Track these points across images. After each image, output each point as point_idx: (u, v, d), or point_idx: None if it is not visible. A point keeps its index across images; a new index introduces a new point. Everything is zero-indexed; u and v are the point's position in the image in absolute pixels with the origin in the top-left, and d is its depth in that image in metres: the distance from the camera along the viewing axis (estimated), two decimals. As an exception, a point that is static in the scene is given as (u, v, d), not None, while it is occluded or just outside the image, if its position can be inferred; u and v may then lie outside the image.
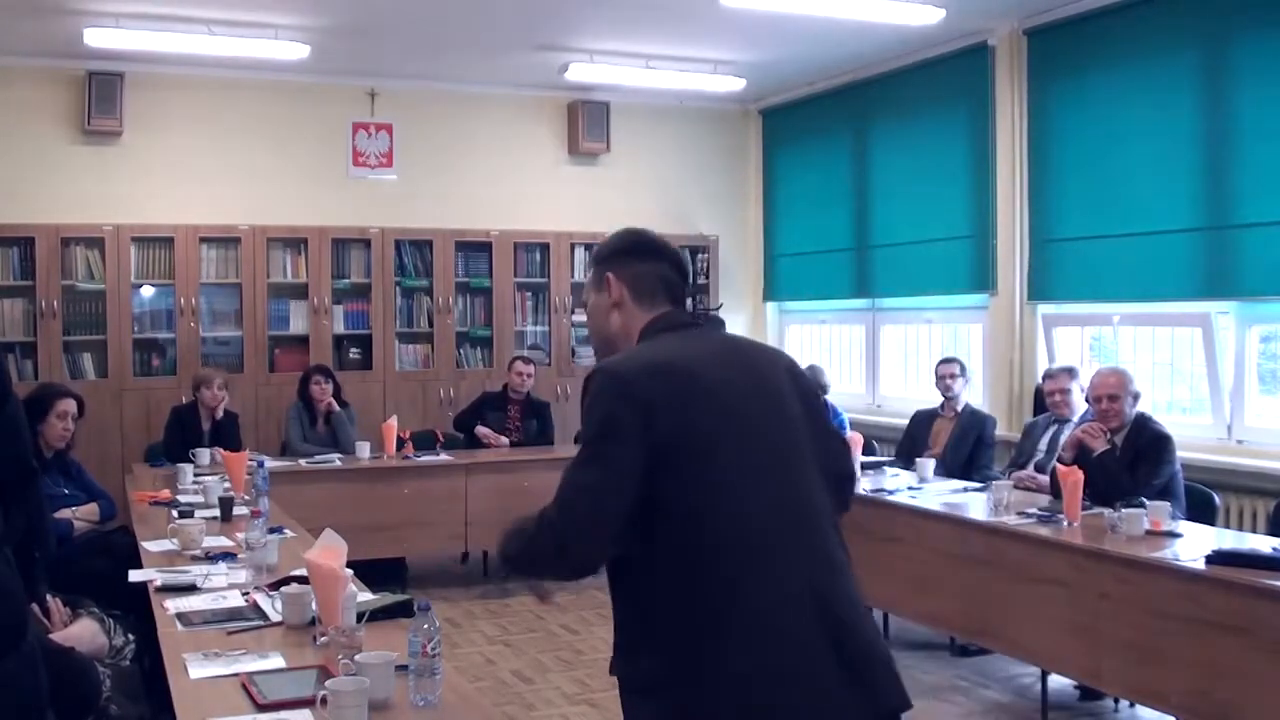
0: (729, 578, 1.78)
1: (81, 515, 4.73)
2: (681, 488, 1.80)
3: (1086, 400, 4.90)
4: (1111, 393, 4.54)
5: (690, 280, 2.12)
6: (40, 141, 6.90)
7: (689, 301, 1.93)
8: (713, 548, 1.80)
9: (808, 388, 2.02)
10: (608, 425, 1.81)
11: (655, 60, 7.13)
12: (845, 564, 1.90)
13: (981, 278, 6.59)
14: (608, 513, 1.79)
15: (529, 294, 7.98)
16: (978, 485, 5.09)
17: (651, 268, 2.04)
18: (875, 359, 7.68)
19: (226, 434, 6.15)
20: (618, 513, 1.78)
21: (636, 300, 2.03)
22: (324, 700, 2.13)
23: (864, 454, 5.61)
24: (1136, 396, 4.59)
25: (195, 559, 3.75)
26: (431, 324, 7.65)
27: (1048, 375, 5.40)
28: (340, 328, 7.50)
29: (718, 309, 8.23)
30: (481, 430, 6.87)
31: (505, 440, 6.86)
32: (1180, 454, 4.55)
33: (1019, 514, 4.36)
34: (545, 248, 7.93)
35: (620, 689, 1.92)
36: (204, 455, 5.90)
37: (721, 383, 1.89)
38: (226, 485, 4.95)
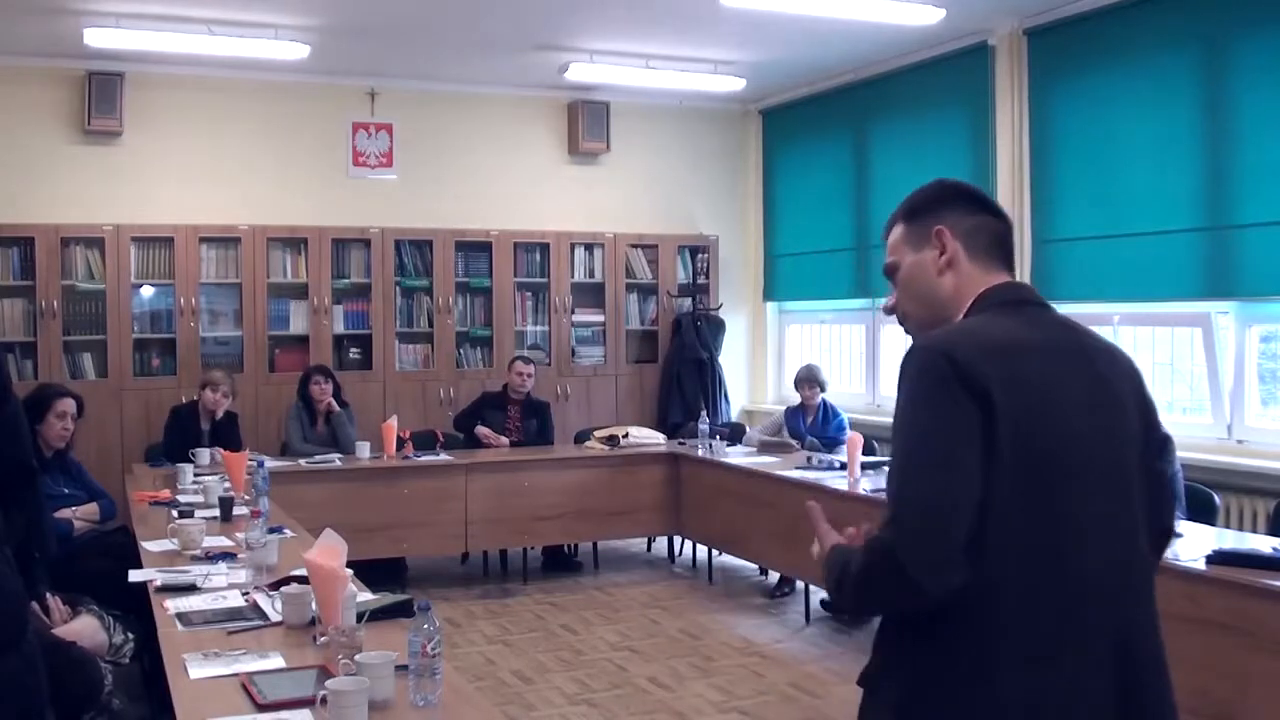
0: (1034, 643, 1.49)
1: (81, 515, 4.73)
2: (1018, 511, 1.49)
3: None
4: None
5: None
6: (40, 141, 6.90)
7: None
8: (1023, 598, 1.48)
9: (1147, 402, 1.67)
10: (944, 419, 1.49)
11: (655, 60, 7.13)
12: (1157, 631, 1.64)
13: (981, 278, 6.58)
14: (961, 525, 1.45)
15: (529, 294, 7.98)
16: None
17: (985, 222, 1.71)
18: (875, 359, 7.67)
19: (226, 434, 6.15)
20: (968, 523, 1.45)
21: (972, 259, 1.69)
22: (324, 700, 2.13)
23: (864, 454, 5.62)
24: None
25: (195, 559, 3.75)
26: (431, 324, 7.65)
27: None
28: (340, 328, 7.50)
29: (717, 309, 8.24)
30: (481, 430, 6.87)
31: (505, 440, 6.86)
32: (1180, 454, 4.53)
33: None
34: (545, 248, 7.93)
35: (873, 701, 1.63)
36: (204, 455, 5.90)
37: (1074, 386, 1.57)
38: (226, 485, 4.94)
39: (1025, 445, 1.48)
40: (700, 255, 8.31)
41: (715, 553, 6.74)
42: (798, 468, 5.91)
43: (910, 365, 1.55)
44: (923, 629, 1.51)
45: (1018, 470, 1.48)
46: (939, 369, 1.50)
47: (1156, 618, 1.63)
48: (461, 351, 7.76)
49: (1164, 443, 1.68)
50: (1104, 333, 6.40)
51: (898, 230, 1.77)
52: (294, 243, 7.36)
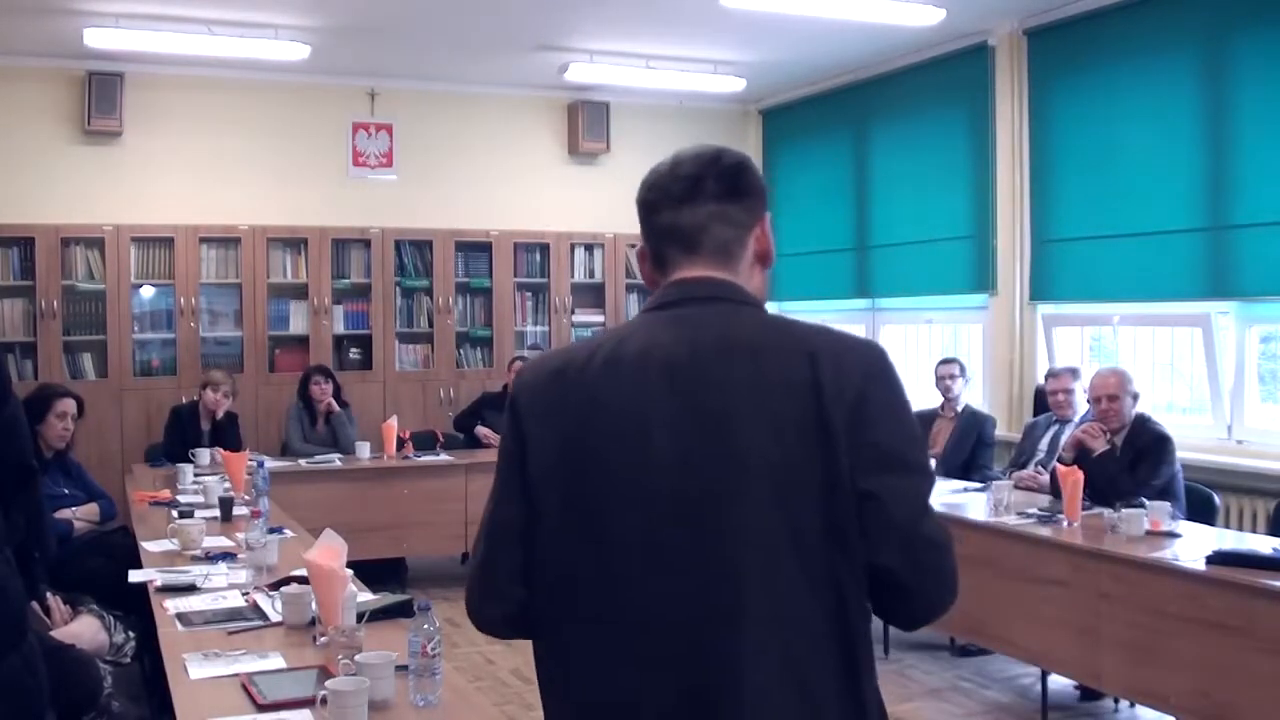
0: (593, 669, 1.41)
1: (81, 515, 4.73)
2: (549, 545, 1.44)
3: (1088, 401, 4.90)
4: (1111, 393, 4.54)
5: (735, 184, 1.51)
6: (40, 141, 6.90)
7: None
8: (573, 628, 1.42)
9: (835, 420, 1.35)
10: (501, 449, 1.51)
11: (655, 60, 7.13)
12: (771, 665, 1.34)
13: (982, 278, 6.59)
14: (500, 567, 1.49)
15: (529, 294, 7.98)
16: (978, 485, 5.09)
17: (654, 226, 1.53)
18: (875, 359, 7.65)
19: (226, 434, 6.15)
20: (511, 561, 1.48)
21: (655, 269, 1.54)
22: (324, 700, 2.13)
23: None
24: (1136, 397, 4.59)
25: (195, 559, 3.75)
26: (431, 324, 7.65)
27: (1050, 375, 5.40)
28: (340, 328, 7.50)
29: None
30: (481, 430, 6.87)
31: (505, 440, 6.85)
32: (1180, 454, 4.55)
33: (1019, 514, 4.36)
34: (545, 248, 7.93)
35: None
36: (204, 455, 5.90)
37: (652, 406, 1.38)
38: (226, 485, 4.95)
39: (560, 475, 1.42)
40: (700, 255, 8.30)
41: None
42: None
43: None
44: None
45: (552, 501, 1.42)
46: (511, 396, 1.50)
47: (792, 683, 1.35)
48: (461, 352, 7.76)
49: (881, 458, 1.36)
50: (1104, 333, 6.36)
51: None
52: (294, 243, 7.36)
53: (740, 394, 1.37)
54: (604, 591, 1.39)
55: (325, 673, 2.38)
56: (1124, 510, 3.96)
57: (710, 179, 1.50)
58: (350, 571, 2.80)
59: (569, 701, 1.45)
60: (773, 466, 1.35)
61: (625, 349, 1.42)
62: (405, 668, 2.28)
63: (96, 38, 6.13)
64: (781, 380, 1.37)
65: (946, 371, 5.90)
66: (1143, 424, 4.55)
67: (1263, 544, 3.70)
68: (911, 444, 1.42)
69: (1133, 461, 4.44)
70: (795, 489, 1.35)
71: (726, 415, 1.36)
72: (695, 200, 1.49)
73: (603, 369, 1.42)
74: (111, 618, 3.23)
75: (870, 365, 1.40)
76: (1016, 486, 4.76)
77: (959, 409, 5.88)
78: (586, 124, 8.03)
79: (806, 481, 1.35)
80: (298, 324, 7.37)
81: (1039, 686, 4.43)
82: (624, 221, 8.25)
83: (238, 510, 4.50)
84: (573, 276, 8.01)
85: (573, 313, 8.00)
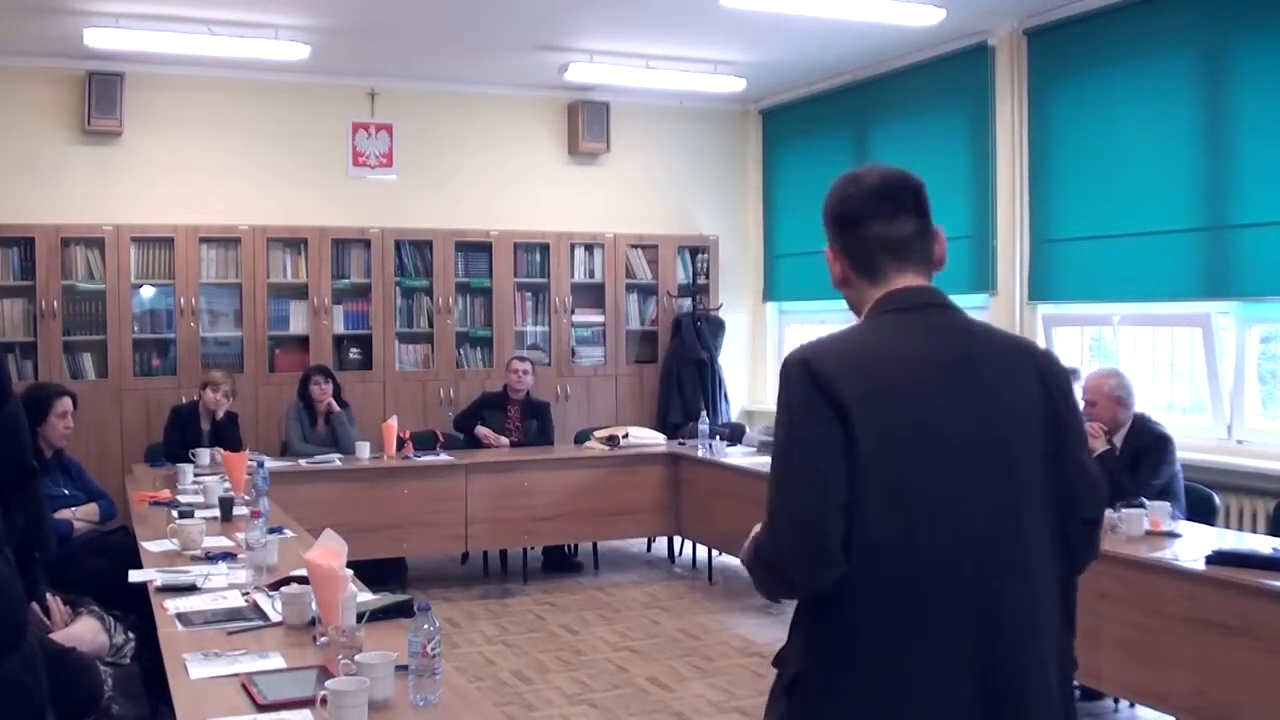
0: (888, 635, 1.59)
1: (81, 515, 4.73)
2: (866, 515, 1.58)
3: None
4: (1090, 398, 4.54)
5: (924, 208, 1.75)
6: (40, 141, 6.90)
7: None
8: (878, 594, 1.59)
9: (1060, 407, 1.69)
10: (806, 430, 1.61)
11: (655, 60, 7.13)
12: (1042, 628, 1.65)
13: (981, 278, 6.59)
14: (823, 531, 1.57)
15: (529, 294, 7.98)
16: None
17: (869, 232, 1.73)
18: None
19: (226, 434, 6.15)
20: (833, 528, 1.57)
21: (860, 273, 1.76)
22: (324, 700, 2.13)
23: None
24: (1126, 404, 4.57)
25: (195, 559, 3.75)
26: (431, 324, 7.65)
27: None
28: (340, 328, 7.50)
29: (717, 309, 8.24)
30: (481, 430, 6.87)
31: (505, 440, 6.86)
32: (1180, 454, 4.55)
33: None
34: (545, 248, 7.93)
35: (777, 682, 1.74)
36: (204, 455, 5.90)
37: (939, 395, 1.63)
38: (226, 485, 4.95)
39: (882, 454, 1.57)
40: (700, 255, 8.31)
41: (715, 553, 6.75)
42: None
43: (780, 374, 1.66)
44: (808, 619, 1.65)
45: (876, 476, 1.57)
46: (800, 381, 1.62)
47: (1045, 619, 1.66)
48: (461, 352, 7.76)
49: (1080, 438, 1.74)
50: (1104, 333, 6.37)
51: None
52: (294, 243, 7.36)
53: (1006, 387, 1.68)
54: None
55: (325, 673, 2.38)
56: (1124, 510, 3.96)
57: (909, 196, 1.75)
58: (350, 571, 2.80)
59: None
60: (1032, 442, 1.66)
61: (895, 349, 1.68)
62: (405, 668, 2.28)
63: (96, 38, 6.14)
64: (1022, 377, 1.70)
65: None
66: (1143, 424, 4.55)
67: (1263, 544, 3.70)
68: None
69: (1133, 461, 4.45)
70: (1040, 459, 1.66)
71: (996, 402, 1.66)
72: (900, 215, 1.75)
73: (900, 366, 1.66)
74: (111, 618, 3.22)
75: (1056, 363, 1.78)
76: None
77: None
78: (586, 124, 8.03)
79: (1043, 454, 1.67)
80: (298, 324, 7.37)
81: (1039, 686, 4.42)
82: (624, 221, 8.30)
83: (238, 510, 4.50)
84: (573, 276, 8.01)
85: (573, 313, 8.00)
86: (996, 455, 1.63)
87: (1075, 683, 4.48)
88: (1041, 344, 6.29)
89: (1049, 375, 1.70)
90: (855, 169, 1.78)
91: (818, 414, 1.59)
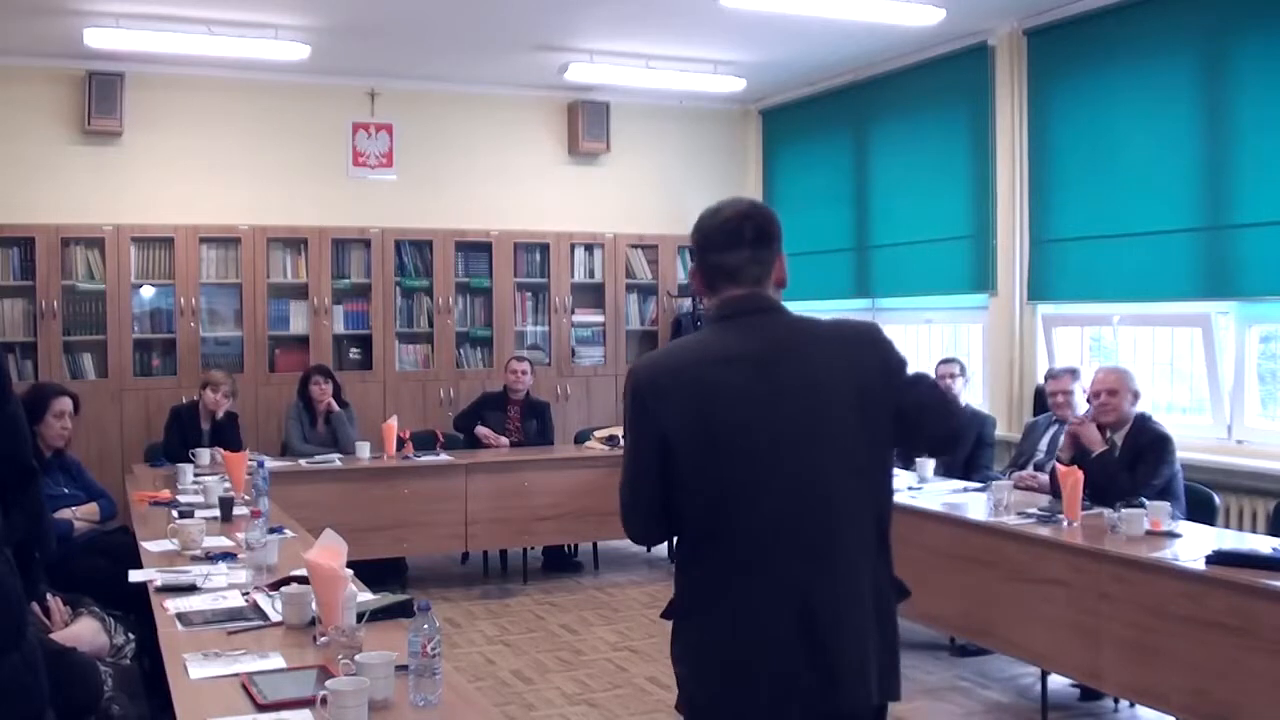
0: (721, 573, 1.97)
1: (81, 515, 4.72)
2: (684, 482, 1.97)
3: (1087, 400, 4.90)
4: (1111, 387, 4.54)
5: (765, 238, 2.08)
6: (40, 141, 6.90)
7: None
8: (709, 543, 1.98)
9: (891, 364, 2.04)
10: (635, 431, 2.01)
11: (655, 60, 7.13)
12: (856, 563, 1.97)
13: (981, 278, 6.59)
14: (644, 513, 2.04)
15: (529, 294, 7.98)
16: (978, 485, 5.09)
17: (711, 262, 2.08)
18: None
19: (226, 434, 6.15)
20: (652, 508, 2.02)
21: (710, 291, 2.10)
22: (324, 700, 2.13)
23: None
24: (1137, 396, 4.59)
25: (195, 559, 3.75)
26: (431, 324, 7.65)
27: (1050, 376, 5.39)
28: (340, 328, 7.50)
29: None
30: (481, 430, 6.87)
31: (505, 440, 6.86)
32: (1180, 454, 4.55)
33: (1019, 514, 4.36)
34: (545, 248, 7.93)
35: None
36: (204, 455, 5.90)
37: (749, 383, 1.95)
38: (226, 485, 4.95)
39: (695, 439, 1.94)
40: (700, 255, 8.30)
41: (715, 553, 6.73)
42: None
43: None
44: (678, 561, 2.10)
45: (693, 456, 1.94)
46: (630, 394, 2.01)
47: (859, 556, 1.98)
48: (461, 352, 7.76)
49: (914, 381, 2.08)
50: (1104, 333, 6.37)
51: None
52: (294, 243, 7.36)
53: (819, 364, 2.00)
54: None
55: (325, 673, 2.38)
56: (1124, 510, 3.96)
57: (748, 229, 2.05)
58: (350, 571, 2.80)
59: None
60: (844, 405, 1.98)
61: (716, 351, 2.01)
62: (405, 668, 2.28)
63: (96, 38, 6.14)
64: (837, 353, 2.03)
65: (946, 371, 5.90)
66: (1143, 424, 4.55)
67: (1263, 544, 3.70)
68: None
69: (1132, 461, 4.44)
70: (861, 417, 1.99)
71: (807, 378, 1.98)
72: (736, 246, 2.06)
73: (710, 366, 1.99)
74: (111, 618, 3.22)
75: (879, 332, 2.12)
76: (1016, 486, 4.75)
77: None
78: (586, 124, 8.03)
79: (869, 409, 1.99)
80: (298, 324, 7.37)
81: (1039, 686, 4.43)
82: (624, 221, 8.30)
83: (238, 510, 4.50)
84: (573, 276, 8.01)
85: (573, 313, 8.00)
86: (805, 423, 1.95)
87: (1075, 682, 4.50)
88: (1041, 344, 6.32)
89: (876, 345, 2.05)
90: (719, 202, 2.10)
91: (639, 423, 1.99)
